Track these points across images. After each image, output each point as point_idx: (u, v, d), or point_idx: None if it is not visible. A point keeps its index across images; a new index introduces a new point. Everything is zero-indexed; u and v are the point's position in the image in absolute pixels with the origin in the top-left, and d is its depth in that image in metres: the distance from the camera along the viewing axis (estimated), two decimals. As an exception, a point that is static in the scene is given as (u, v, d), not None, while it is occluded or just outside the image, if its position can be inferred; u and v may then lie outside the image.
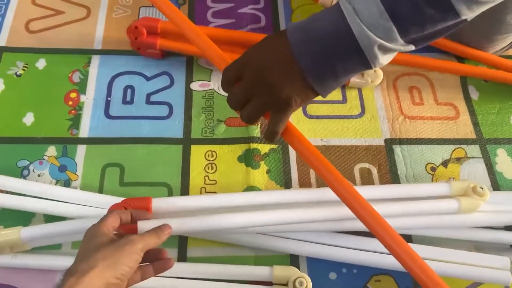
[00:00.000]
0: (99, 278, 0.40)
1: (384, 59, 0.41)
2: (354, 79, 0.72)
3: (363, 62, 0.41)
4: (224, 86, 0.48)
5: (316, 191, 0.59)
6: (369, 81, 0.72)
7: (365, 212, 0.48)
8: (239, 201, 0.57)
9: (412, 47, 0.42)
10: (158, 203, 0.54)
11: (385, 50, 0.40)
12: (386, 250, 0.57)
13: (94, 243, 0.43)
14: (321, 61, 0.42)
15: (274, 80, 0.43)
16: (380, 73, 0.72)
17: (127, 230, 0.50)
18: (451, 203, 0.57)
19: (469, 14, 0.39)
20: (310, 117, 0.71)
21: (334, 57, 0.41)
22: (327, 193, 0.57)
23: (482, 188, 0.58)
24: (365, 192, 0.56)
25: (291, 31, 0.43)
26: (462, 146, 0.70)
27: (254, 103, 0.46)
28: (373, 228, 0.48)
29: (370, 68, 0.42)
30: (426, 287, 0.46)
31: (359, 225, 0.50)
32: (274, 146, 0.67)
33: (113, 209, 0.52)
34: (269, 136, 0.48)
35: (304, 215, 0.55)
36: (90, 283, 0.39)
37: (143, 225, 0.50)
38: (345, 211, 0.54)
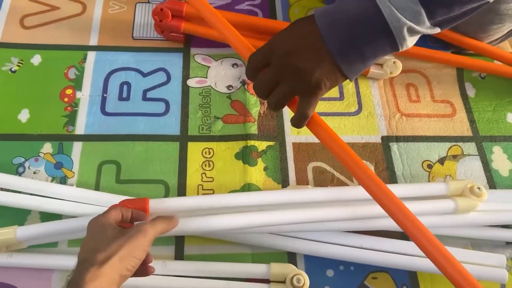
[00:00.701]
0: (115, 269, 0.39)
1: (411, 41, 0.42)
2: (374, 70, 0.73)
3: (392, 44, 0.41)
4: (250, 73, 0.47)
5: (315, 191, 0.59)
6: (388, 72, 0.73)
7: (397, 210, 0.46)
8: (236, 201, 0.56)
9: (438, 30, 0.42)
10: (155, 203, 0.54)
11: (412, 32, 0.41)
12: (383, 248, 0.59)
13: (106, 234, 0.42)
14: (350, 43, 0.42)
15: (303, 64, 0.43)
16: (400, 65, 0.72)
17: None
18: (448, 203, 0.58)
19: None
20: (307, 114, 0.70)
21: (363, 40, 0.42)
22: (326, 193, 0.57)
23: (479, 189, 0.58)
24: (365, 191, 0.57)
25: (318, 15, 0.43)
26: (458, 143, 0.70)
27: (283, 88, 0.45)
28: (406, 227, 0.47)
29: (398, 50, 0.42)
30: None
31: (361, 225, 0.50)
32: (271, 143, 0.67)
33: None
34: (298, 120, 0.48)
35: (303, 216, 0.55)
36: (109, 274, 0.38)
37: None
38: (346, 211, 0.55)
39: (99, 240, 0.42)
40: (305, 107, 0.46)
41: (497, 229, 0.62)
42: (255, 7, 0.81)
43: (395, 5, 0.39)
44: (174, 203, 0.55)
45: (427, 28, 0.41)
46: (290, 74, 0.44)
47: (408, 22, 0.40)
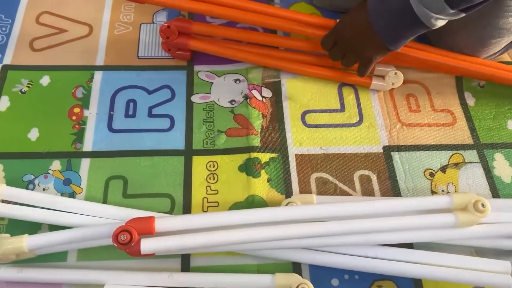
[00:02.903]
0: None
1: (441, 23, 0.57)
2: (376, 83, 0.75)
3: (425, 28, 0.57)
4: (324, 48, 0.70)
5: (316, 207, 0.59)
6: (390, 84, 0.75)
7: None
8: (239, 219, 0.56)
9: (462, 14, 0.56)
10: (161, 223, 0.54)
11: (440, 19, 0.56)
12: (387, 256, 0.59)
13: None
14: (392, 28, 0.60)
15: (359, 46, 0.65)
16: (401, 76, 0.74)
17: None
18: (448, 217, 0.57)
19: None
20: (309, 126, 0.72)
21: (402, 26, 0.59)
22: (329, 209, 0.58)
23: (483, 206, 0.56)
24: (373, 205, 0.58)
25: (371, 10, 0.60)
26: (459, 151, 0.71)
27: (348, 59, 0.68)
28: None
29: (432, 29, 0.58)
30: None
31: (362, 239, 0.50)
32: (274, 155, 0.68)
33: (117, 232, 0.52)
34: (361, 73, 0.70)
35: (306, 230, 0.56)
36: None
37: (147, 243, 0.51)
38: (351, 225, 0.56)
39: None
40: (363, 69, 0.69)
41: (501, 238, 0.62)
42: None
43: (424, 3, 0.54)
44: (180, 221, 0.55)
45: (452, 15, 0.55)
46: (353, 51, 0.66)
47: (434, 15, 0.55)
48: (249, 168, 0.67)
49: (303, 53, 0.76)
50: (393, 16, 0.58)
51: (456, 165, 0.70)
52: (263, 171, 0.67)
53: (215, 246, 0.55)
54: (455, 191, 0.67)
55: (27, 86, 0.74)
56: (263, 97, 0.74)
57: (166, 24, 0.72)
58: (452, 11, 0.54)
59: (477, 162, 0.70)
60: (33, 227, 0.60)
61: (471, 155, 0.71)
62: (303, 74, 0.77)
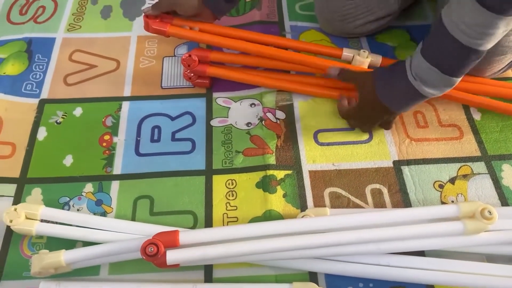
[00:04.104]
0: None
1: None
2: None
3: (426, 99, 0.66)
4: (344, 118, 0.79)
5: (329, 218, 0.63)
6: None
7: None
8: (257, 231, 0.60)
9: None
10: (185, 236, 0.58)
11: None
12: (399, 264, 0.62)
13: None
14: (405, 106, 0.68)
15: (373, 119, 0.74)
16: None
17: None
18: (456, 225, 0.59)
19: (486, 47, 0.58)
20: (322, 144, 0.76)
21: (407, 102, 0.67)
22: (341, 219, 0.61)
23: (490, 213, 0.58)
24: (383, 215, 0.61)
25: (380, 92, 0.68)
26: (467, 163, 0.73)
27: (367, 127, 0.77)
28: None
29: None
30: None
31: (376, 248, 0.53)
32: (289, 171, 0.73)
33: (145, 245, 0.56)
34: (387, 129, 0.77)
35: (320, 240, 0.59)
36: None
37: (172, 255, 0.56)
38: (362, 234, 0.59)
39: None
40: (387, 127, 0.76)
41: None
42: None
43: (430, 86, 0.63)
44: (202, 234, 0.59)
45: (452, 85, 0.64)
46: (368, 124, 0.76)
47: (439, 92, 0.64)
48: (266, 185, 0.71)
49: (314, 76, 0.82)
50: (404, 97, 0.67)
51: (465, 176, 0.72)
52: (279, 187, 0.71)
53: (235, 256, 0.59)
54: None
55: (62, 117, 0.81)
56: (277, 118, 0.79)
57: (187, 54, 0.79)
58: (455, 81, 0.63)
59: (486, 173, 0.72)
60: (69, 244, 0.65)
61: (479, 166, 0.73)
62: (314, 95, 0.82)
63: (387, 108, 0.69)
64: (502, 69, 0.80)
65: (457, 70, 0.61)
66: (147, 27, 0.80)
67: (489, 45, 0.57)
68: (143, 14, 0.79)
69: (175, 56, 0.90)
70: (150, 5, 0.78)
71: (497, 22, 0.54)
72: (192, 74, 0.82)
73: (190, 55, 0.79)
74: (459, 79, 0.63)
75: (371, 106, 0.70)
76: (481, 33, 0.55)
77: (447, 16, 0.58)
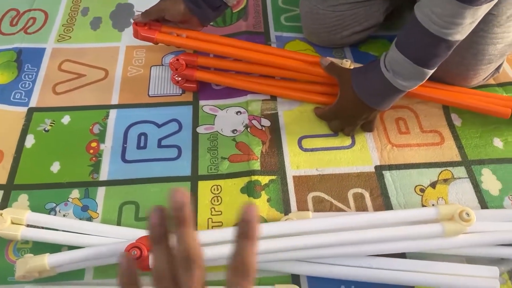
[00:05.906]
0: None
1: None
2: None
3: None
4: (324, 119, 0.81)
5: (311, 221, 0.64)
6: None
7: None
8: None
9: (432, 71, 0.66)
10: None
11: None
12: (380, 266, 0.63)
13: None
14: (384, 102, 0.71)
15: (355, 117, 0.75)
16: None
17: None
18: (436, 227, 0.61)
19: (455, 37, 0.61)
20: (306, 150, 0.78)
21: (383, 96, 0.70)
22: (323, 222, 0.63)
23: (468, 214, 0.60)
24: (364, 218, 0.63)
25: (358, 91, 0.71)
26: (448, 168, 0.75)
27: (349, 129, 0.78)
28: None
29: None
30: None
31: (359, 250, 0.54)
32: (273, 177, 0.74)
33: (128, 248, 0.57)
34: (370, 130, 0.79)
35: (302, 242, 0.60)
36: None
37: None
38: (343, 236, 0.60)
39: None
40: (369, 128, 0.79)
41: (491, 247, 0.65)
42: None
43: (405, 79, 0.66)
44: None
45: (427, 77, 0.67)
46: (350, 123, 0.77)
47: (413, 85, 0.68)
48: (250, 190, 0.72)
49: (298, 82, 0.84)
50: (381, 93, 0.70)
51: (446, 180, 0.74)
52: (263, 192, 0.72)
53: (216, 259, 0.60)
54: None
55: (50, 125, 0.82)
56: (262, 126, 0.81)
57: (175, 58, 0.81)
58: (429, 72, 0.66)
59: (466, 178, 0.74)
60: (54, 249, 0.65)
61: (460, 171, 0.75)
62: (298, 99, 0.84)
63: (365, 104, 0.71)
64: (486, 77, 0.82)
65: (428, 61, 0.64)
66: (136, 34, 0.82)
67: (458, 36, 0.61)
68: (133, 21, 0.81)
69: (162, 65, 0.92)
70: (140, 13, 0.80)
71: (464, 12, 0.58)
72: (179, 78, 0.84)
73: (177, 59, 0.81)
74: (431, 71, 0.66)
75: (351, 104, 0.73)
76: (450, 23, 0.59)
77: (419, 8, 0.62)
